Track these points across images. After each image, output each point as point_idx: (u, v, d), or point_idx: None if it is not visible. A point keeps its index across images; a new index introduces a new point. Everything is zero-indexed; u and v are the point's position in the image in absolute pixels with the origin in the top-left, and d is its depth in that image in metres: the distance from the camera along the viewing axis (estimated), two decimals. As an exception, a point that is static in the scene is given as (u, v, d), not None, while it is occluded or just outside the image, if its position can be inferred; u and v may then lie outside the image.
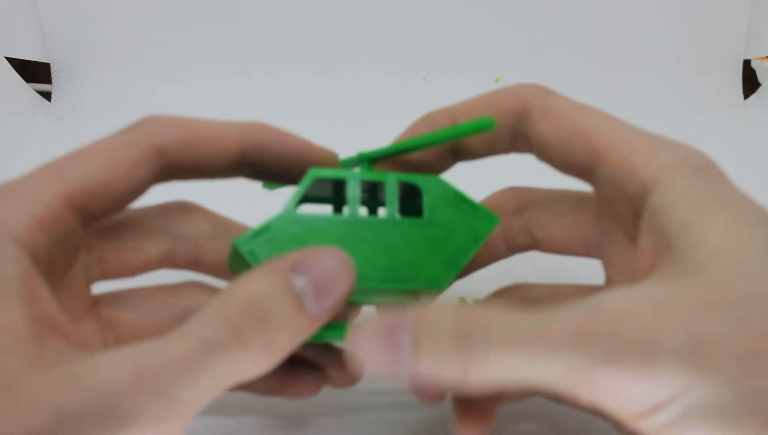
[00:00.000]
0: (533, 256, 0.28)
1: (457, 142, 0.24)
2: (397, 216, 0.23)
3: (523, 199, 0.26)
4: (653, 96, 0.50)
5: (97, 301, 0.23)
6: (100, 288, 0.24)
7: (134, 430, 0.17)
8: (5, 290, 0.18)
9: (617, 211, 0.22)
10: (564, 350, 0.17)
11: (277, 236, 0.22)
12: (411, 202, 0.25)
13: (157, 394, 0.17)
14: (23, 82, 0.48)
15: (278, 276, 0.19)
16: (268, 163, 0.23)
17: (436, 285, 0.23)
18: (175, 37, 0.49)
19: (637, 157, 0.21)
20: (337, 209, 0.26)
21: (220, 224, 0.25)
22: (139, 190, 0.22)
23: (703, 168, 0.20)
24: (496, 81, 0.50)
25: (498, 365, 0.18)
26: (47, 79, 0.49)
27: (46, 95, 0.49)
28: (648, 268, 0.20)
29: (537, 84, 0.24)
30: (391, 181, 0.23)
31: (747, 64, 0.52)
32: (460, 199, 0.24)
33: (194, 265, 0.25)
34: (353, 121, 0.45)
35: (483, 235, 0.24)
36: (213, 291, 0.25)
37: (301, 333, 0.20)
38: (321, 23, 0.49)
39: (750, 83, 0.52)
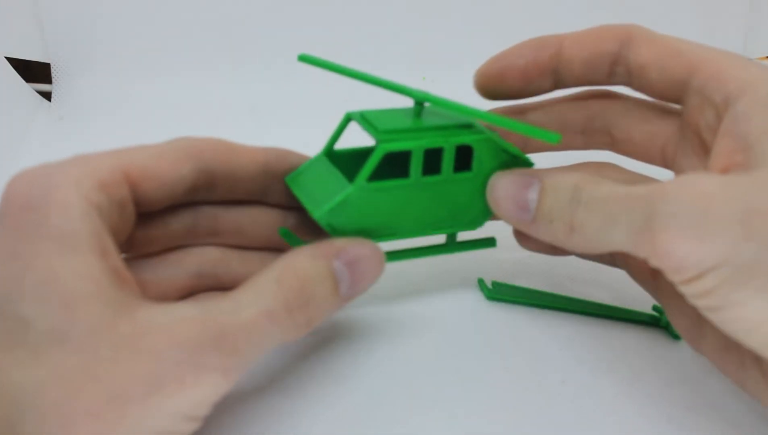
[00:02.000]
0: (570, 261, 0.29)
1: (560, 64, 0.27)
2: (451, 174, 0.26)
3: (608, 100, 0.28)
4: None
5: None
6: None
7: (214, 376, 0.20)
8: (83, 243, 0.20)
9: (702, 120, 0.24)
10: (636, 209, 0.20)
11: (353, 207, 0.25)
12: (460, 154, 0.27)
13: (233, 351, 0.20)
14: (23, 82, 0.48)
15: (324, 262, 0.23)
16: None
17: (473, 226, 0.28)
18: (175, 38, 0.49)
19: (728, 69, 0.23)
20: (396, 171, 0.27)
21: (242, 204, 0.27)
22: (183, 185, 0.24)
23: None
24: (496, 81, 0.50)
25: (594, 219, 0.22)
26: (47, 79, 0.49)
27: (46, 95, 0.49)
28: (721, 169, 0.22)
29: (642, 25, 0.26)
30: (450, 147, 0.25)
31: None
32: (503, 152, 0.26)
33: (212, 236, 0.27)
34: (353, 123, 0.45)
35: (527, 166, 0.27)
36: (220, 249, 0.27)
37: (333, 311, 0.24)
38: (321, 23, 0.49)
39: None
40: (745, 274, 0.19)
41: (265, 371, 0.27)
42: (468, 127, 0.26)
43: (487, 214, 0.28)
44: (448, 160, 0.26)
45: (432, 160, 0.26)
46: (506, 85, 0.28)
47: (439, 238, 0.29)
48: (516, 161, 0.27)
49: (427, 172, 0.26)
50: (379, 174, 0.25)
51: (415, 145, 0.25)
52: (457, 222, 0.28)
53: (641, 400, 0.27)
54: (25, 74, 0.48)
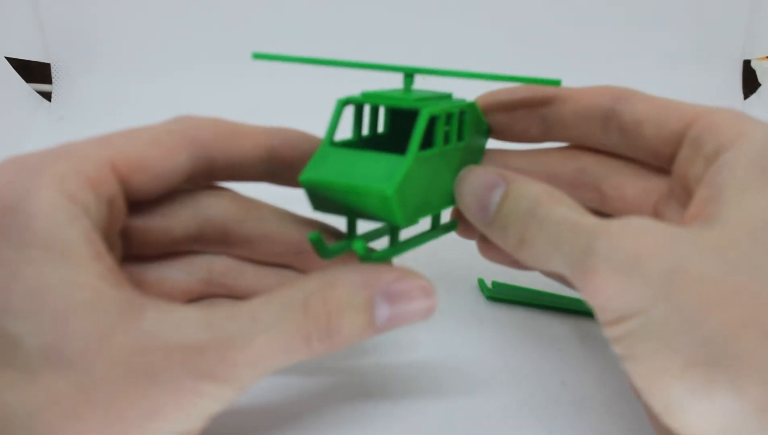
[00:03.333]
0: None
1: (550, 111, 0.26)
2: (456, 142, 0.25)
3: (599, 155, 0.27)
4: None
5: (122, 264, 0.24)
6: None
7: (212, 400, 0.19)
8: (75, 249, 0.18)
9: (691, 171, 0.23)
10: (579, 240, 0.20)
11: (409, 182, 0.22)
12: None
13: (236, 380, 0.19)
14: (23, 82, 0.48)
15: (365, 295, 0.20)
16: (293, 160, 0.24)
17: None
18: (175, 38, 0.49)
19: (724, 120, 0.22)
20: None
21: (249, 207, 0.25)
22: (179, 175, 0.22)
23: None
24: (496, 81, 0.50)
25: (542, 239, 0.21)
26: (47, 79, 0.49)
27: (46, 95, 0.49)
28: (690, 217, 0.21)
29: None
30: (457, 113, 0.25)
31: (747, 64, 0.52)
32: (478, 116, 0.26)
33: (223, 246, 0.25)
34: (353, 119, 0.45)
35: (484, 142, 0.27)
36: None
37: (358, 341, 0.21)
38: (320, 22, 0.49)
39: (750, 83, 0.52)
40: (649, 332, 0.18)
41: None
42: (448, 97, 0.26)
43: None
44: (454, 127, 0.25)
45: (427, 134, 0.25)
46: (493, 117, 0.27)
47: (424, 225, 0.28)
48: (482, 124, 0.27)
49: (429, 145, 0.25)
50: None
51: (442, 110, 0.24)
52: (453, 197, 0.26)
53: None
54: (25, 74, 0.48)
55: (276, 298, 0.20)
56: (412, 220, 0.24)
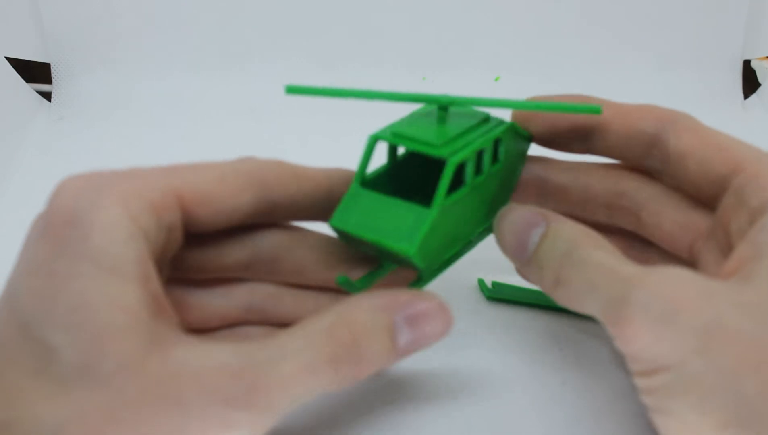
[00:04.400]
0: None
1: (595, 130, 0.26)
2: (490, 170, 0.25)
3: (641, 180, 0.26)
4: (652, 96, 0.50)
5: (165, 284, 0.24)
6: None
7: (241, 429, 0.19)
8: (124, 268, 0.19)
9: (734, 223, 0.22)
10: (615, 287, 0.20)
11: (433, 230, 0.23)
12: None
13: (265, 408, 0.19)
14: (23, 82, 0.48)
15: (385, 316, 0.21)
16: None
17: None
18: (175, 38, 0.49)
19: None
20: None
21: (298, 236, 0.25)
22: (242, 213, 0.23)
23: None
24: (496, 80, 0.50)
25: (578, 281, 0.22)
26: (47, 79, 0.49)
27: (46, 95, 0.49)
28: (727, 272, 0.21)
29: (688, 113, 0.25)
30: (489, 144, 0.25)
31: (747, 64, 0.52)
32: (516, 133, 0.26)
33: (272, 275, 0.25)
34: (353, 119, 0.45)
35: (525, 153, 0.28)
36: (274, 283, 0.25)
37: (384, 366, 0.21)
38: (321, 22, 0.49)
39: (750, 83, 0.52)
40: (684, 386, 0.18)
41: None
42: (487, 120, 0.26)
43: (509, 195, 0.28)
44: (488, 157, 0.25)
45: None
46: (533, 127, 0.27)
47: None
48: (521, 138, 0.27)
49: (455, 177, 0.25)
50: (382, 189, 0.24)
51: (472, 151, 0.24)
52: (492, 214, 0.26)
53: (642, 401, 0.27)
54: (25, 74, 0.48)
55: (302, 327, 0.20)
56: (438, 260, 0.25)
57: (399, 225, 0.23)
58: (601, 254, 0.22)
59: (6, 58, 0.46)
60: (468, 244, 0.27)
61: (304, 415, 0.26)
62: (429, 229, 0.22)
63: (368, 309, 0.21)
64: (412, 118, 0.26)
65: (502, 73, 0.50)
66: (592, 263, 0.21)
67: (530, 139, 0.27)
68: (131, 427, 0.18)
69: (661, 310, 0.19)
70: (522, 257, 0.24)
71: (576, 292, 0.22)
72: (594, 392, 0.27)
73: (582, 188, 0.27)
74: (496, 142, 0.26)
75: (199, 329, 0.25)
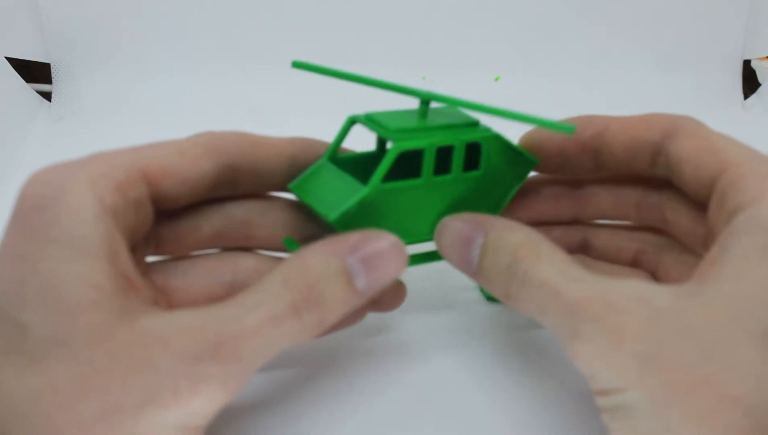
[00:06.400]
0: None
1: (602, 146, 0.26)
2: (461, 173, 0.26)
3: (663, 185, 0.27)
4: (652, 95, 0.50)
5: (149, 269, 0.25)
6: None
7: (213, 385, 0.19)
8: (92, 248, 0.19)
9: (717, 224, 0.23)
10: (562, 315, 0.21)
11: (367, 210, 0.24)
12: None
13: (233, 359, 0.19)
14: (23, 82, 0.48)
15: (337, 260, 0.21)
16: None
17: None
18: (175, 38, 0.49)
19: (750, 175, 0.22)
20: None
21: (270, 202, 0.26)
22: (207, 182, 0.24)
23: None
24: (496, 80, 0.50)
25: (526, 300, 0.22)
26: (47, 79, 0.49)
27: (46, 95, 0.49)
28: (696, 275, 0.21)
29: (692, 117, 0.25)
30: (461, 145, 0.25)
31: (747, 64, 0.52)
32: (509, 149, 0.27)
33: (246, 240, 0.26)
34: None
35: (524, 176, 0.28)
36: (256, 257, 0.26)
37: (349, 309, 0.22)
38: (321, 23, 0.49)
39: (750, 83, 0.52)
40: (622, 412, 0.19)
41: (265, 379, 0.27)
42: (474, 125, 0.26)
43: (496, 211, 0.28)
44: (458, 159, 0.25)
45: (440, 161, 0.26)
46: (544, 157, 0.27)
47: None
48: (520, 158, 0.27)
49: (435, 173, 0.25)
50: (387, 176, 0.25)
51: (428, 144, 0.24)
52: None
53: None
54: (25, 74, 0.48)
55: (260, 284, 0.21)
56: None
57: (336, 196, 0.24)
58: (545, 269, 0.21)
59: (6, 58, 0.47)
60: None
61: (303, 414, 0.26)
62: (356, 204, 0.23)
63: (319, 255, 0.21)
64: (400, 111, 0.26)
65: (502, 73, 0.50)
66: (537, 282, 0.21)
67: (534, 163, 0.27)
68: (102, 393, 0.18)
69: (606, 342, 0.20)
70: (469, 271, 0.24)
71: (527, 309, 0.22)
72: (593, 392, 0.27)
73: (612, 192, 0.28)
74: (472, 148, 0.26)
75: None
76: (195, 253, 0.26)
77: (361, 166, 0.26)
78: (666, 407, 0.18)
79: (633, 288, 0.20)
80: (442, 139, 0.25)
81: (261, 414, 0.26)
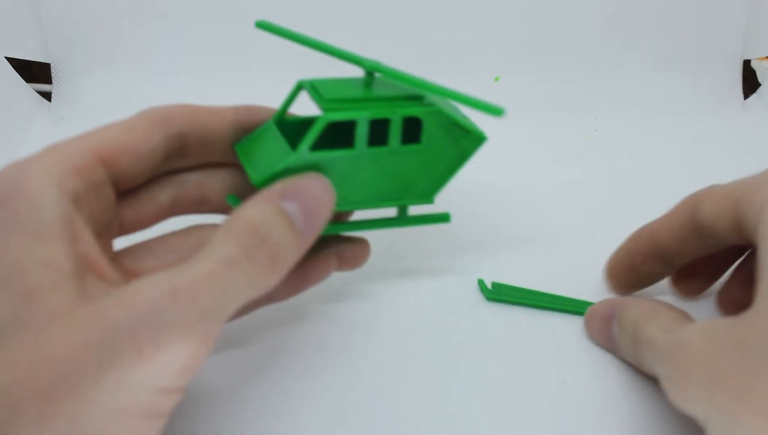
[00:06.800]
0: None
1: (657, 249, 0.29)
2: (399, 145, 0.26)
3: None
4: (652, 95, 0.50)
5: (117, 256, 0.25)
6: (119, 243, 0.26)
7: (176, 335, 0.19)
8: (49, 231, 0.20)
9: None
10: (656, 359, 0.24)
11: (296, 174, 0.24)
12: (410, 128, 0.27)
13: (191, 302, 0.19)
14: (23, 82, 0.48)
15: (271, 204, 0.22)
16: None
17: (424, 200, 0.28)
18: (175, 38, 0.49)
19: (754, 189, 0.24)
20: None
21: (221, 168, 0.27)
22: (157, 154, 0.24)
23: None
24: (496, 80, 0.50)
25: (643, 359, 0.26)
26: (47, 79, 0.49)
27: (46, 95, 0.49)
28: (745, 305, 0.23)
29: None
30: (397, 118, 0.25)
31: (747, 64, 0.52)
32: (454, 125, 0.27)
33: (201, 204, 0.27)
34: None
35: (470, 152, 0.28)
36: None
37: (298, 248, 0.23)
38: (321, 23, 0.49)
39: (750, 83, 0.52)
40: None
41: (262, 364, 0.27)
42: (418, 99, 0.26)
43: (437, 187, 0.28)
44: (395, 132, 0.26)
45: (383, 132, 0.26)
46: (625, 279, 0.31)
47: (391, 212, 0.29)
48: (468, 135, 0.27)
49: (377, 144, 0.26)
50: (331, 143, 0.25)
51: (360, 115, 0.25)
52: (407, 195, 0.27)
53: (641, 400, 0.27)
54: (25, 74, 0.48)
55: (207, 242, 0.21)
56: None
57: (267, 160, 0.25)
58: (651, 328, 0.25)
59: (6, 58, 0.47)
60: (403, 217, 0.28)
61: (303, 413, 0.26)
62: (281, 171, 0.24)
63: (254, 204, 0.22)
64: (349, 79, 0.27)
65: (502, 73, 0.50)
66: (645, 341, 0.25)
67: (482, 139, 0.28)
68: (61, 360, 0.18)
69: (677, 376, 0.22)
70: (612, 347, 0.29)
71: (648, 369, 0.26)
72: (594, 392, 0.27)
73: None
74: (414, 122, 0.26)
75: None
76: (163, 236, 0.26)
77: (306, 129, 0.27)
78: (737, 415, 0.20)
79: (700, 323, 0.23)
80: (375, 112, 0.25)
81: (234, 393, 0.26)
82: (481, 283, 0.32)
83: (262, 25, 0.26)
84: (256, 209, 0.22)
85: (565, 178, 0.41)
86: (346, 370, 0.28)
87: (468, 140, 0.27)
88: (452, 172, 0.28)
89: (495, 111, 0.24)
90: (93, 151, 0.23)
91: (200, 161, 0.26)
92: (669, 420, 0.26)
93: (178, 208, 0.27)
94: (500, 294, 0.32)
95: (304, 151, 0.24)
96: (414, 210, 0.29)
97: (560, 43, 0.50)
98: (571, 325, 0.30)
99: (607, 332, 0.28)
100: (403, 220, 0.29)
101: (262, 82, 0.49)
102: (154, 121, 0.24)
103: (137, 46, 0.49)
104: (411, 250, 0.35)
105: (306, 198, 0.23)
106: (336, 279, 0.31)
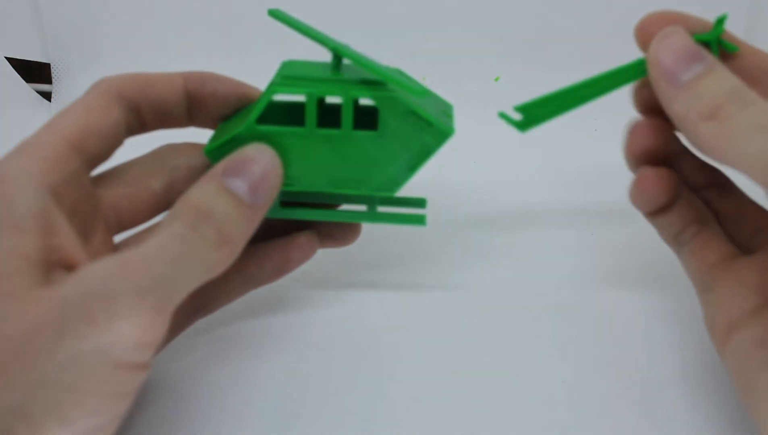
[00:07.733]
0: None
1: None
2: (351, 130, 0.26)
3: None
4: (653, 96, 0.50)
5: (119, 247, 0.26)
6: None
7: (127, 302, 0.19)
8: (22, 223, 0.21)
9: None
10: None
11: (241, 146, 0.25)
12: (368, 116, 0.27)
13: (140, 271, 0.20)
14: (23, 82, 0.48)
15: (213, 183, 0.23)
16: (212, 102, 0.27)
17: (387, 191, 0.27)
18: (175, 38, 0.49)
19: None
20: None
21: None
22: (120, 128, 0.25)
23: None
24: (496, 80, 0.50)
25: (731, 125, 0.21)
26: (47, 79, 0.49)
27: (46, 95, 0.49)
28: None
29: None
30: (348, 100, 0.25)
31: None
32: (414, 116, 0.26)
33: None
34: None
35: (434, 147, 0.26)
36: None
37: (249, 220, 0.23)
38: (320, 21, 0.49)
39: (750, 83, 0.52)
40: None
41: (257, 357, 0.27)
42: (378, 85, 0.25)
43: (400, 180, 0.27)
44: (347, 114, 0.25)
45: (333, 115, 0.26)
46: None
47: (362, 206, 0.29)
48: (430, 127, 0.26)
49: (328, 126, 0.26)
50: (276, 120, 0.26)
51: (307, 92, 0.25)
52: (365, 184, 0.27)
53: (642, 400, 0.27)
54: (25, 74, 0.48)
55: (160, 222, 0.22)
56: None
57: (226, 134, 0.26)
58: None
59: (6, 58, 0.47)
60: (332, 199, 0.28)
61: (302, 410, 0.26)
62: (228, 141, 0.25)
63: (196, 187, 0.23)
64: (321, 63, 0.27)
65: (502, 73, 0.50)
66: (763, 106, 0.21)
67: (447, 134, 0.26)
68: (15, 337, 0.19)
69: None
70: (673, 80, 0.24)
71: (735, 129, 0.21)
72: (594, 392, 0.27)
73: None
74: (373, 110, 0.26)
75: (140, 217, 0.27)
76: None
77: (298, 111, 0.27)
78: None
79: None
80: (324, 91, 0.25)
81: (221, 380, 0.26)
82: (503, 115, 0.27)
83: (275, 14, 0.27)
84: (198, 190, 0.22)
85: (565, 178, 0.41)
86: (347, 370, 0.28)
87: (430, 133, 0.26)
88: (416, 165, 0.26)
89: (418, 92, 0.25)
90: (63, 140, 0.23)
91: (156, 128, 0.27)
92: (669, 419, 0.26)
93: (172, 195, 0.27)
94: (532, 115, 0.27)
95: (251, 123, 0.25)
96: (395, 209, 0.29)
97: (560, 43, 0.50)
98: (572, 325, 0.30)
99: (682, 62, 0.25)
100: (372, 215, 0.28)
101: (262, 82, 0.49)
102: (109, 95, 0.25)
103: (137, 47, 0.49)
104: (411, 250, 0.35)
105: (248, 169, 0.23)
106: (336, 279, 0.31)
